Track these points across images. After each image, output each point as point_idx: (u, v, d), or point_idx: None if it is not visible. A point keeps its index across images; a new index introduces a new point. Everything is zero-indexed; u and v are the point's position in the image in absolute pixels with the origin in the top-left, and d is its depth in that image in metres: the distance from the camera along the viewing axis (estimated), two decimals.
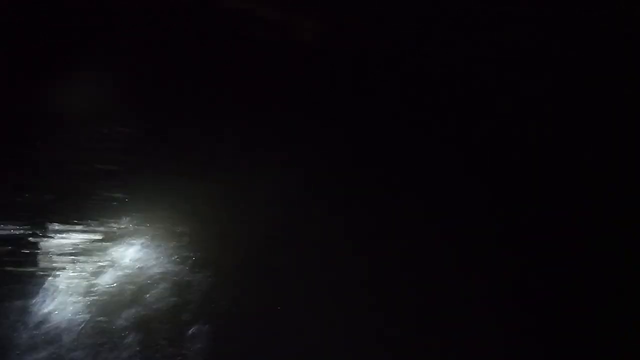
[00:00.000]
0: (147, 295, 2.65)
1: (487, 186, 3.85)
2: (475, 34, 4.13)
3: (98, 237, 2.69)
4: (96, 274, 2.63)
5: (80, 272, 2.62)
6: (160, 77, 3.91)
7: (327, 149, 3.58)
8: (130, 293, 2.63)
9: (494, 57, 4.39)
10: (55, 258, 2.58)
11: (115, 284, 2.63)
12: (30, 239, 2.46)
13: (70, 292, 2.56)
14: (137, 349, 2.50)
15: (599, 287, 3.16)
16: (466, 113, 4.12)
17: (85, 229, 2.71)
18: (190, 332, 2.63)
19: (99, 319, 2.54)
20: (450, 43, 4.16)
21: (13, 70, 2.97)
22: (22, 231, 2.46)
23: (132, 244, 2.77)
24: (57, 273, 2.56)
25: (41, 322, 2.43)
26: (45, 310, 2.48)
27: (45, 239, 2.57)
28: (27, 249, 2.48)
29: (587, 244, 3.39)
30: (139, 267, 2.72)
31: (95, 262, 2.65)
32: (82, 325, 2.50)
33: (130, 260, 2.72)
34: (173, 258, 2.79)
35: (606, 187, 3.69)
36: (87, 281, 2.60)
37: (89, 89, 3.19)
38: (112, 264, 2.68)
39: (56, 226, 2.62)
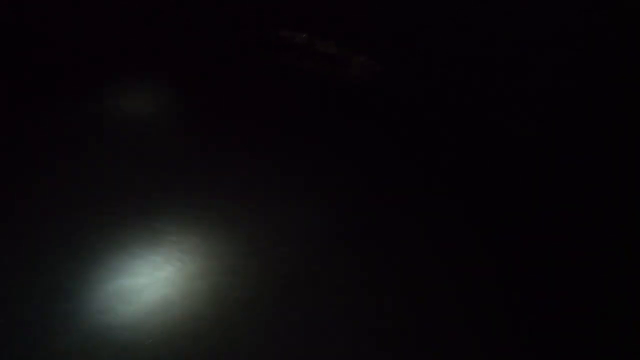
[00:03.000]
0: None
1: (489, 189, 3.86)
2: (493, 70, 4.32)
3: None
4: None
5: None
6: (215, 99, 4.38)
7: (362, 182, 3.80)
8: None
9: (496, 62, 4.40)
10: None
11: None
12: None
13: None
14: None
15: (599, 287, 3.16)
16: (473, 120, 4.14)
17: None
18: None
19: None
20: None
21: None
22: None
23: None
24: None
25: None
26: None
27: None
28: None
29: (587, 245, 3.40)
30: None
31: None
32: None
33: None
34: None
35: (606, 188, 3.69)
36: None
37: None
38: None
39: None
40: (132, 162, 3.73)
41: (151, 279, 2.88)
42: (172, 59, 4.81)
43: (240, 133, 4.19)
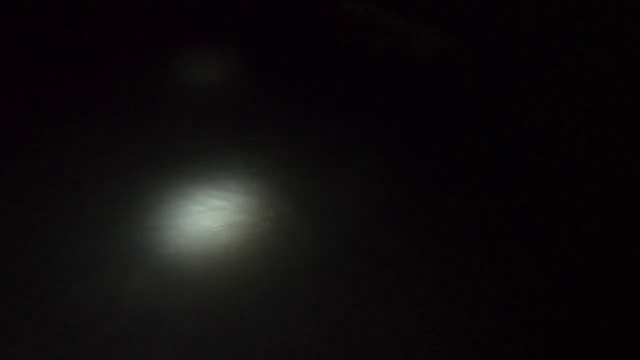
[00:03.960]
0: None
1: (488, 189, 3.86)
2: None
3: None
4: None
5: None
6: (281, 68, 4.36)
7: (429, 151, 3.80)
8: None
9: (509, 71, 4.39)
10: None
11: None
12: None
13: None
14: None
15: (599, 287, 3.17)
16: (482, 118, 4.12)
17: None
18: None
19: None
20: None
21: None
22: None
23: None
24: None
25: None
26: None
27: None
28: None
29: (587, 245, 3.40)
30: None
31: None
32: None
33: None
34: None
35: (606, 188, 3.69)
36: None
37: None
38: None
39: None
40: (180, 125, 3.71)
41: (195, 234, 2.88)
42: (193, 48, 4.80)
43: (294, 96, 4.18)
